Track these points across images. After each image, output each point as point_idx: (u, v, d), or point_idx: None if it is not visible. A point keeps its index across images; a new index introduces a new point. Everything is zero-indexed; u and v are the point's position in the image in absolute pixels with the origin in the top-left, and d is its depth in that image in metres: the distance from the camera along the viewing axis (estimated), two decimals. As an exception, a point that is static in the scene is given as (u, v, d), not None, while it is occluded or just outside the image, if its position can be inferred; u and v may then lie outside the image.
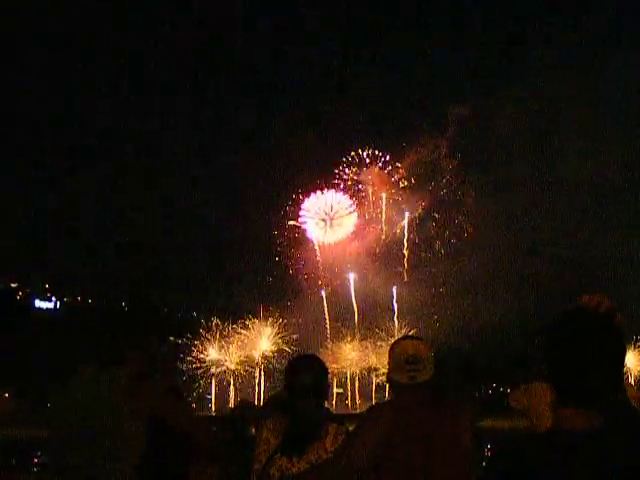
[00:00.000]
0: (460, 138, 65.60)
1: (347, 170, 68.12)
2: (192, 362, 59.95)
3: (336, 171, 68.18)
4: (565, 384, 1.89)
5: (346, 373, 63.07)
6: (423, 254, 67.93)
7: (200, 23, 77.52)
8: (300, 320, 62.75)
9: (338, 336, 63.75)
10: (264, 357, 61.30)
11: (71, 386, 3.54)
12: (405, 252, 68.31)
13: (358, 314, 65.96)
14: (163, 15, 78.06)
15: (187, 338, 59.39)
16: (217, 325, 61.13)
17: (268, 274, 66.51)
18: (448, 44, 73.89)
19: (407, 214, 68.10)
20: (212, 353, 60.99)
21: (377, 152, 68.00)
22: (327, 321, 65.59)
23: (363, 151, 68.09)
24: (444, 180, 67.33)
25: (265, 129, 72.54)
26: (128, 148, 71.49)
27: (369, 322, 64.28)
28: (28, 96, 71.19)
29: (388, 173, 68.37)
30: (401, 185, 68.12)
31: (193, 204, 71.50)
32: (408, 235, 68.29)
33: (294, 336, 61.16)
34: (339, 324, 64.78)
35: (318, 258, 67.53)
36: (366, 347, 62.63)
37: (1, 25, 68.65)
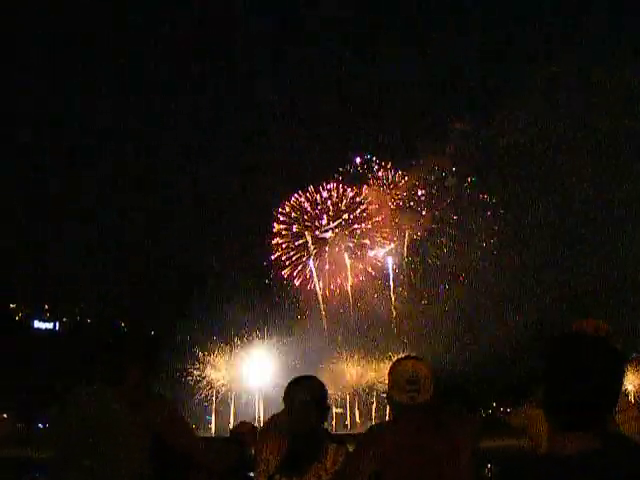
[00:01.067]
0: (464, 152, 65.14)
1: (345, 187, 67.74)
2: (192, 383, 59.76)
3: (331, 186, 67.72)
4: (565, 408, 1.88)
5: (346, 393, 62.83)
6: (424, 274, 67.78)
7: (200, 23, 78.17)
8: (299, 341, 62.57)
9: (338, 356, 63.55)
10: (263, 379, 61.08)
11: (72, 403, 3.54)
12: (405, 272, 68.27)
13: (358, 334, 65.82)
14: (163, 15, 78.73)
15: (187, 359, 59.24)
16: (216, 345, 60.96)
17: (265, 293, 66.26)
18: (449, 45, 74.12)
19: (407, 234, 68.04)
20: (211, 374, 60.80)
21: (377, 167, 67.82)
22: (327, 341, 65.38)
23: (362, 164, 67.85)
24: (447, 200, 67.02)
25: (265, 129, 72.68)
26: (128, 148, 71.63)
27: (369, 342, 64.13)
28: (28, 96, 71.51)
29: (389, 192, 68.26)
30: (403, 203, 67.97)
31: (191, 209, 71.18)
32: (408, 254, 68.25)
33: (293, 357, 60.96)
34: (339, 344, 64.60)
35: (314, 282, 67.30)
36: (366, 367, 62.46)
37: (1, 25, 69.10)
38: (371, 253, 68.36)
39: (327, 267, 68.09)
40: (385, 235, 68.47)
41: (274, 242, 67.16)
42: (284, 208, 67.21)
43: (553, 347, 1.94)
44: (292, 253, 67.72)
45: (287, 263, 67.63)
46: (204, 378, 60.50)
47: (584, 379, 1.85)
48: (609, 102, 59.98)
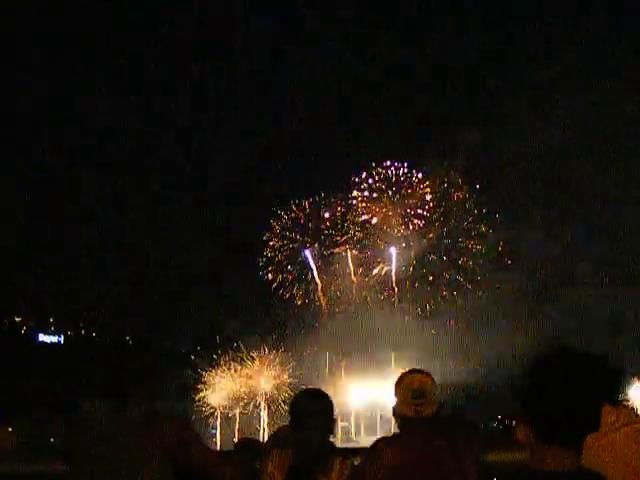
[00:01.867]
0: (472, 164, 64.41)
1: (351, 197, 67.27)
2: (196, 397, 59.63)
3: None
4: (552, 424, 1.84)
5: (351, 407, 62.60)
6: (431, 288, 67.46)
7: (200, 23, 78.82)
8: (304, 354, 62.38)
9: (342, 369, 63.39)
10: (267, 392, 60.90)
11: (87, 420, 3.53)
12: (411, 286, 68.03)
13: (363, 348, 65.58)
14: (163, 15, 79.52)
15: (190, 372, 59.15)
16: (219, 358, 60.83)
17: (268, 307, 65.92)
18: (449, 45, 73.93)
19: (414, 248, 67.68)
20: (215, 388, 60.65)
21: (382, 177, 67.30)
22: (331, 355, 65.20)
23: (368, 176, 67.27)
24: (455, 215, 66.46)
25: (265, 130, 72.87)
26: (128, 148, 71.97)
27: (374, 356, 63.91)
28: (28, 96, 72.11)
29: (395, 204, 67.88)
30: (410, 216, 67.59)
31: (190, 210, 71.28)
32: (414, 269, 67.88)
33: (298, 371, 60.82)
34: (343, 358, 64.41)
35: (319, 289, 67.07)
36: (371, 380, 62.25)
37: (1, 25, 69.86)
38: (376, 267, 68.21)
39: (331, 282, 67.88)
40: (391, 248, 68.29)
41: (276, 260, 66.98)
42: (283, 221, 67.06)
43: (540, 362, 1.90)
44: (292, 268, 67.41)
45: (289, 279, 67.37)
46: (207, 392, 60.37)
47: (570, 393, 1.82)
48: (609, 102, 59.73)
